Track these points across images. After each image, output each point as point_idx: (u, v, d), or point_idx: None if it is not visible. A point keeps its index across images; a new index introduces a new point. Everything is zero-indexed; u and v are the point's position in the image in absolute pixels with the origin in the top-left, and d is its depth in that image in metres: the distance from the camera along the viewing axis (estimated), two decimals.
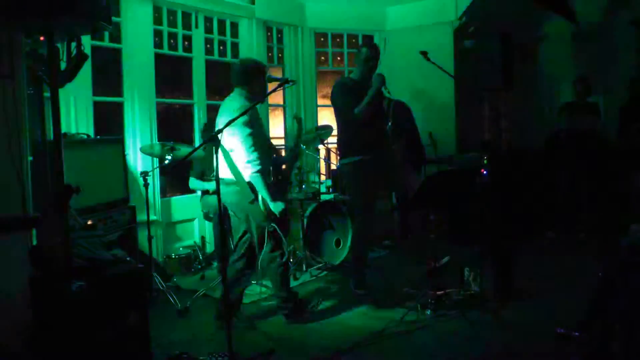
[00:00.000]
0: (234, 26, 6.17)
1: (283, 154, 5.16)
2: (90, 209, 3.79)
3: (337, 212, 5.34)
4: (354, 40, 7.26)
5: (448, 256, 4.77)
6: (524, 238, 5.32)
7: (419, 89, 6.61)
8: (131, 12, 5.06)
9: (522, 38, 6.62)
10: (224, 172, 3.56)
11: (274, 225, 3.61)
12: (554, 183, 6.01)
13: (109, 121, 5.14)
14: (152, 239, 4.42)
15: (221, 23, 6.05)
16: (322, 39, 7.12)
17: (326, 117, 7.11)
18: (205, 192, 5.02)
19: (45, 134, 2.87)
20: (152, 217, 4.80)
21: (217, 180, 3.02)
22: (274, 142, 5.00)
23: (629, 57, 6.29)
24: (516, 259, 4.24)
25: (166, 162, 4.41)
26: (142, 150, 4.74)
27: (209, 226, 5.50)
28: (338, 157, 5.09)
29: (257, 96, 3.63)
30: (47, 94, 2.77)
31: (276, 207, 3.56)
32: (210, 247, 5.58)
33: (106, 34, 4.89)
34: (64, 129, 4.25)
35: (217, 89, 6.19)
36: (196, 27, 5.77)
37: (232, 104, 3.59)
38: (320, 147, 6.20)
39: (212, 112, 5.97)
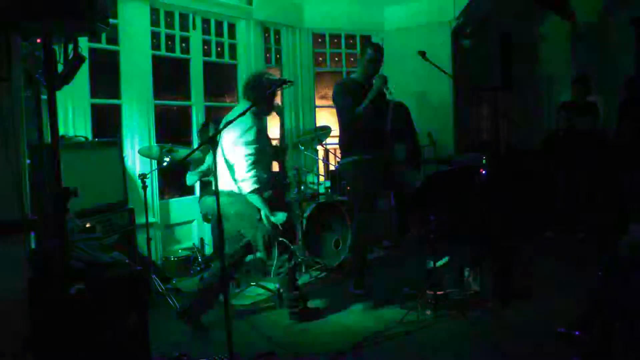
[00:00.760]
0: (232, 27, 6.17)
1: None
2: (89, 212, 3.78)
3: (336, 213, 5.32)
4: (351, 41, 7.25)
5: (448, 256, 4.76)
6: (523, 238, 5.32)
7: (417, 89, 6.60)
8: (128, 13, 5.05)
9: (521, 38, 6.63)
10: (227, 184, 3.62)
11: (281, 238, 3.70)
12: (553, 183, 6.01)
13: (107, 123, 5.13)
14: (151, 241, 4.42)
15: (219, 24, 6.04)
16: (319, 40, 7.12)
17: (324, 117, 7.10)
18: (203, 194, 5.02)
19: (43, 137, 2.86)
20: (151, 220, 4.80)
21: (216, 181, 3.02)
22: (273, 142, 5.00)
23: (628, 57, 6.30)
24: (516, 259, 4.23)
25: (164, 164, 4.40)
26: (140, 152, 4.73)
27: (207, 228, 5.49)
28: (337, 158, 5.09)
29: (262, 109, 3.76)
30: (44, 97, 2.77)
31: (277, 219, 3.64)
32: (209, 249, 5.57)
33: (103, 36, 4.88)
34: (61, 132, 4.26)
35: (215, 91, 6.18)
36: (193, 28, 5.76)
37: (236, 115, 3.60)
38: (319, 147, 6.19)
39: (210, 113, 5.97)
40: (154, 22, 5.38)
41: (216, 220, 3.17)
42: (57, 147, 2.46)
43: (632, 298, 2.87)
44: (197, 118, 5.79)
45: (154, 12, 5.39)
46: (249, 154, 3.57)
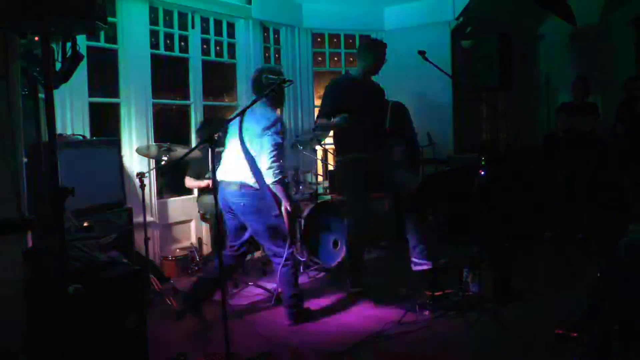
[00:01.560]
0: (231, 26, 6.15)
1: None
2: (87, 211, 3.76)
3: (334, 213, 5.31)
4: (351, 41, 7.24)
5: (447, 256, 4.75)
6: (523, 238, 5.32)
7: (416, 89, 6.59)
8: (127, 12, 5.03)
9: (520, 38, 6.63)
10: (243, 175, 3.66)
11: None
12: (552, 183, 6.01)
13: (105, 122, 5.11)
14: (149, 240, 4.41)
15: (218, 23, 6.02)
16: (319, 39, 7.10)
17: None
18: (201, 192, 5.00)
19: (41, 135, 2.85)
20: (149, 219, 4.78)
21: (214, 179, 3.03)
22: None
23: (628, 57, 6.30)
24: (515, 259, 4.23)
25: (162, 163, 4.39)
26: (138, 151, 4.71)
27: (205, 227, 5.47)
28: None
29: (274, 103, 3.87)
30: (42, 95, 2.75)
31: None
32: (207, 249, 5.56)
33: (102, 34, 4.87)
34: (59, 130, 4.24)
35: (214, 90, 6.17)
36: (192, 27, 5.74)
37: (255, 111, 3.69)
38: (318, 147, 6.18)
39: (209, 112, 5.96)
40: (153, 21, 5.35)
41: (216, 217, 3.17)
42: (54, 146, 2.44)
43: (632, 298, 2.86)
44: (195, 117, 5.77)
45: (153, 10, 5.37)
46: (277, 144, 3.64)
